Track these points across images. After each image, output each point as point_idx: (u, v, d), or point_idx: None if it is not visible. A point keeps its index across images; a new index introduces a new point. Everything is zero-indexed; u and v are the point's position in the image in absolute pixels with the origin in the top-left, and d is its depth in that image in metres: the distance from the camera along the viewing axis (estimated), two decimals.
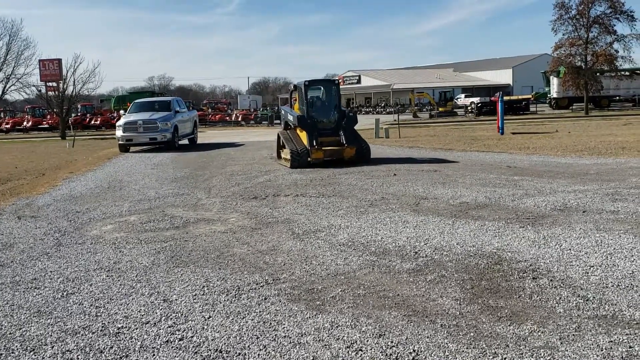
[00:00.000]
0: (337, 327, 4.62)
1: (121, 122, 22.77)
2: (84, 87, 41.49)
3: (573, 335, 4.30)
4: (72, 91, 41.15)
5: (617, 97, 54.92)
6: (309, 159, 14.99)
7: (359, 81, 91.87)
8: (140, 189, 12.41)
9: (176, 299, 5.39)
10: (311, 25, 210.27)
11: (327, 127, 15.80)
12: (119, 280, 6.03)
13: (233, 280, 5.87)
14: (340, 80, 17.88)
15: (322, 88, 16.92)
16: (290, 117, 16.63)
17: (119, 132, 22.43)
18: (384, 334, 4.44)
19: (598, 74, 46.95)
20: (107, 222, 9.06)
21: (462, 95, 73.84)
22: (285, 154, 15.64)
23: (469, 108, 52.91)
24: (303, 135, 15.64)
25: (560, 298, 5.03)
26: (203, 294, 5.49)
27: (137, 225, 8.71)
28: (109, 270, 6.40)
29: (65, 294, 5.67)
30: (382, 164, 15.03)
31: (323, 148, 15.16)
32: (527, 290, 5.25)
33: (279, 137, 16.80)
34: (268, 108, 67.26)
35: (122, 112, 27.06)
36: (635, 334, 4.27)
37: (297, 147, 15.16)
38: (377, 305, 5.05)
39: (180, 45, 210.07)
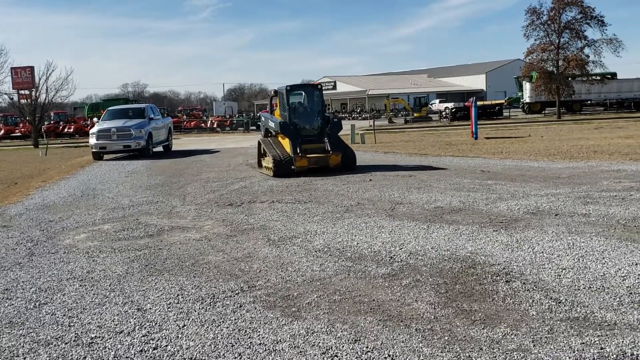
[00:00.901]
0: (312, 333, 4.63)
1: (94, 129, 22.54)
2: (57, 94, 41.03)
3: (546, 337, 4.35)
4: (45, 99, 40.68)
5: (589, 102, 55.68)
6: (292, 167, 14.48)
7: (334, 87, 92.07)
8: (114, 197, 12.30)
9: (150, 308, 5.35)
10: (286, 32, 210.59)
11: (310, 133, 15.28)
12: (92, 290, 5.96)
13: (208, 288, 5.84)
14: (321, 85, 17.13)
15: (304, 93, 16.33)
16: (272, 124, 16.09)
17: (92, 140, 22.21)
18: (360, 340, 4.46)
19: (570, 78, 47.58)
20: (80, 231, 8.96)
21: (437, 101, 74.39)
22: (267, 162, 15.13)
23: (443, 113, 53.32)
24: (285, 143, 15.15)
25: (533, 301, 5.09)
26: (177, 303, 5.46)
27: (111, 233, 8.63)
28: (82, 280, 6.33)
29: (37, 304, 5.60)
30: (360, 170, 15.05)
31: (307, 155, 14.64)
32: (500, 294, 5.30)
33: (259, 145, 16.31)
34: (244, 114, 67.14)
35: (95, 119, 26.79)
36: (607, 335, 4.34)
37: (279, 154, 14.61)
38: (353, 310, 5.06)
39: (154, 52, 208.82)
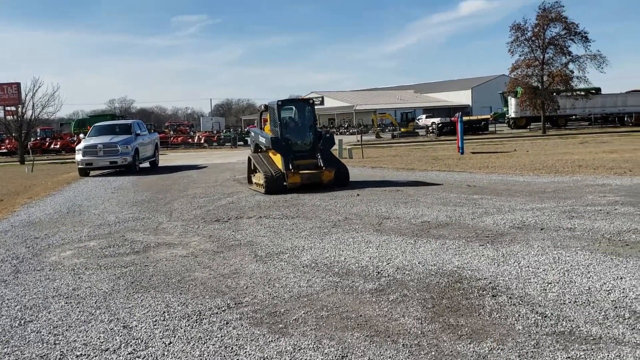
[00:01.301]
0: (299, 350, 4.62)
1: (81, 145, 22.45)
2: (44, 110, 40.71)
3: (532, 352, 4.37)
4: (31, 115, 40.39)
5: (574, 117, 56.21)
6: (285, 184, 14.18)
7: (322, 102, 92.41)
8: (100, 213, 12.24)
9: (136, 325, 5.32)
10: (274, 47, 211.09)
11: (302, 149, 14.97)
12: (78, 307, 5.92)
13: (194, 305, 5.82)
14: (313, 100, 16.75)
15: (295, 108, 15.96)
16: (263, 140, 15.75)
17: (78, 156, 22.11)
18: (347, 356, 4.45)
19: (554, 94, 48.05)
20: (66, 247, 8.90)
21: (423, 116, 74.82)
22: (258, 178, 14.82)
23: (430, 128, 53.64)
24: (277, 159, 14.79)
25: (519, 315, 5.11)
26: (164, 320, 5.43)
27: (97, 250, 8.58)
28: (68, 297, 6.28)
29: (22, 321, 5.56)
30: (349, 186, 15.06)
31: (300, 172, 14.30)
32: (486, 308, 5.32)
33: (249, 161, 16.01)
34: (231, 130, 67.15)
35: (82, 135, 26.67)
36: (592, 349, 4.36)
37: (271, 171, 14.26)
38: (340, 326, 5.06)
39: (141, 68, 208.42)
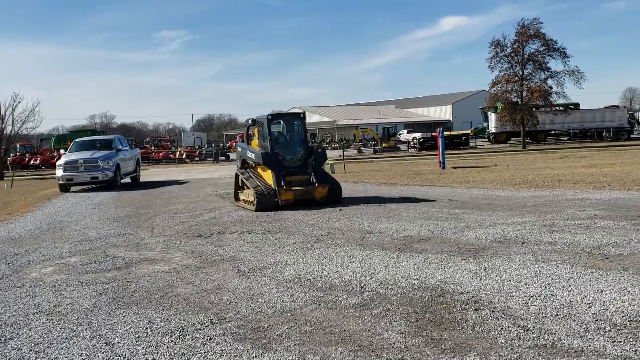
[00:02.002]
0: None
1: (61, 161, 22.29)
2: (23, 126, 40.33)
3: None
4: (11, 131, 40.03)
5: (553, 132, 56.83)
6: (277, 201, 13.73)
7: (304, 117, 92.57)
8: (81, 229, 12.14)
9: (118, 342, 5.27)
10: (255, 63, 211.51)
11: (292, 164, 14.56)
12: (59, 324, 5.86)
13: (177, 320, 5.79)
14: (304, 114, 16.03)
15: (285, 122, 15.43)
16: (252, 155, 15.25)
17: (59, 172, 21.94)
18: None
19: (534, 109, 48.62)
20: (46, 264, 8.81)
21: (405, 131, 75.26)
22: (247, 195, 14.39)
23: (411, 143, 53.97)
24: (267, 175, 14.38)
25: (501, 329, 5.14)
26: (146, 336, 5.39)
27: (78, 266, 8.51)
28: (49, 314, 6.22)
29: (3, 339, 5.48)
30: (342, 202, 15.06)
31: (293, 188, 13.87)
32: (469, 322, 5.35)
33: (237, 177, 15.61)
34: (213, 145, 67.04)
35: (62, 151, 26.48)
36: None
37: (262, 187, 13.86)
38: (324, 341, 5.06)
39: (122, 83, 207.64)
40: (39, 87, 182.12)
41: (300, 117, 15.62)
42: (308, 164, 14.58)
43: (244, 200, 14.75)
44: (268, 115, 15.04)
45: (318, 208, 13.35)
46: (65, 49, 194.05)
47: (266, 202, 13.57)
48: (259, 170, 14.98)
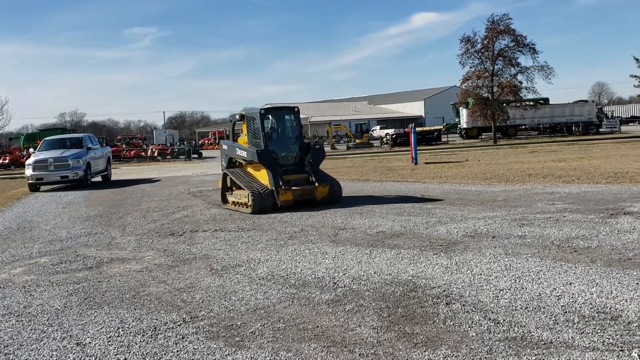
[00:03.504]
0: None
1: (31, 160, 21.98)
2: None
3: (485, 357, 4.46)
4: None
5: (523, 126, 57.49)
6: (277, 202, 12.80)
7: (298, 112, 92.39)
8: (52, 229, 11.99)
9: (90, 342, 5.22)
10: (228, 60, 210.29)
11: (286, 162, 13.66)
12: (29, 325, 5.79)
13: (149, 320, 5.75)
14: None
15: (278, 117, 14.37)
16: (242, 153, 14.11)
17: (28, 171, 21.64)
18: None
19: (504, 104, 49.09)
20: (16, 264, 8.69)
21: (378, 127, 75.57)
22: (239, 197, 13.40)
23: (384, 139, 54.14)
24: (261, 174, 13.45)
25: (472, 322, 5.20)
26: (118, 336, 5.35)
27: (48, 267, 8.40)
28: (19, 315, 6.14)
29: None
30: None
31: (292, 188, 13.00)
32: (441, 316, 5.40)
33: (224, 178, 14.49)
34: (185, 142, 66.60)
35: (32, 150, 26.11)
36: (544, 354, 4.47)
37: (257, 188, 12.93)
38: (297, 338, 5.07)
39: (93, 81, 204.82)
40: (7, 86, 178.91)
41: (294, 110, 14.47)
42: (305, 162, 13.76)
43: (234, 202, 13.75)
44: (261, 109, 13.89)
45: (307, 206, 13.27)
46: (34, 46, 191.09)
47: (263, 204, 12.65)
48: (249, 169, 14.10)
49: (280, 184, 12.93)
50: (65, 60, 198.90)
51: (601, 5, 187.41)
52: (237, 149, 14.53)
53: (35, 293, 7.00)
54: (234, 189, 14.03)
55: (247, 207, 12.88)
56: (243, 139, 14.73)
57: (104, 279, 7.49)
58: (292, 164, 13.76)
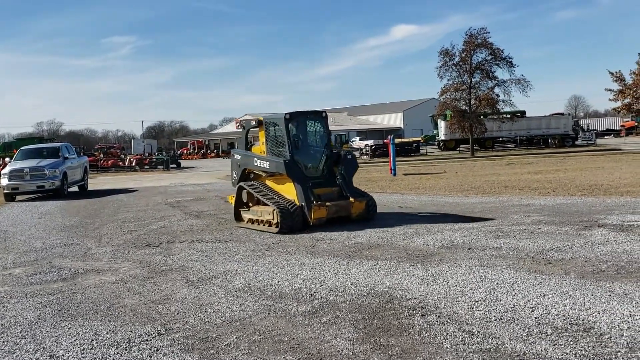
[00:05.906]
0: None
1: (6, 170, 21.74)
2: None
3: None
4: None
5: (501, 139, 58.05)
6: (308, 219, 11.32)
7: (326, 117, 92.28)
8: (27, 239, 11.85)
9: (63, 355, 5.17)
10: (208, 69, 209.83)
11: (315, 174, 12.19)
12: (1, 337, 5.71)
13: (124, 332, 5.71)
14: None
15: (304, 123, 12.70)
16: (263, 164, 12.40)
17: (4, 181, 21.38)
18: None
19: (482, 117, 49.57)
20: None
21: (357, 138, 75.76)
22: (261, 214, 11.84)
23: (363, 150, 54.34)
24: (286, 188, 11.96)
25: (447, 334, 5.24)
26: (92, 348, 5.30)
27: (22, 278, 8.30)
28: None
29: None
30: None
31: (327, 204, 11.59)
32: (416, 327, 5.43)
33: (240, 192, 12.81)
34: (164, 152, 66.21)
35: (7, 159, 25.83)
36: None
37: (284, 203, 11.45)
38: (273, 350, 5.06)
39: (71, 90, 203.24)
40: None
41: (322, 116, 12.81)
42: (335, 174, 12.32)
43: (253, 220, 12.15)
44: (285, 114, 12.11)
45: None
46: (10, 55, 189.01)
47: (292, 221, 11.19)
48: (269, 182, 12.50)
49: (312, 199, 11.51)
50: (42, 68, 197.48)
51: (578, 20, 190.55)
52: (255, 159, 12.78)
53: (8, 305, 6.91)
54: (251, 204, 12.52)
55: (271, 225, 11.48)
56: (259, 147, 13.14)
57: (79, 291, 7.41)
58: (320, 176, 12.28)
